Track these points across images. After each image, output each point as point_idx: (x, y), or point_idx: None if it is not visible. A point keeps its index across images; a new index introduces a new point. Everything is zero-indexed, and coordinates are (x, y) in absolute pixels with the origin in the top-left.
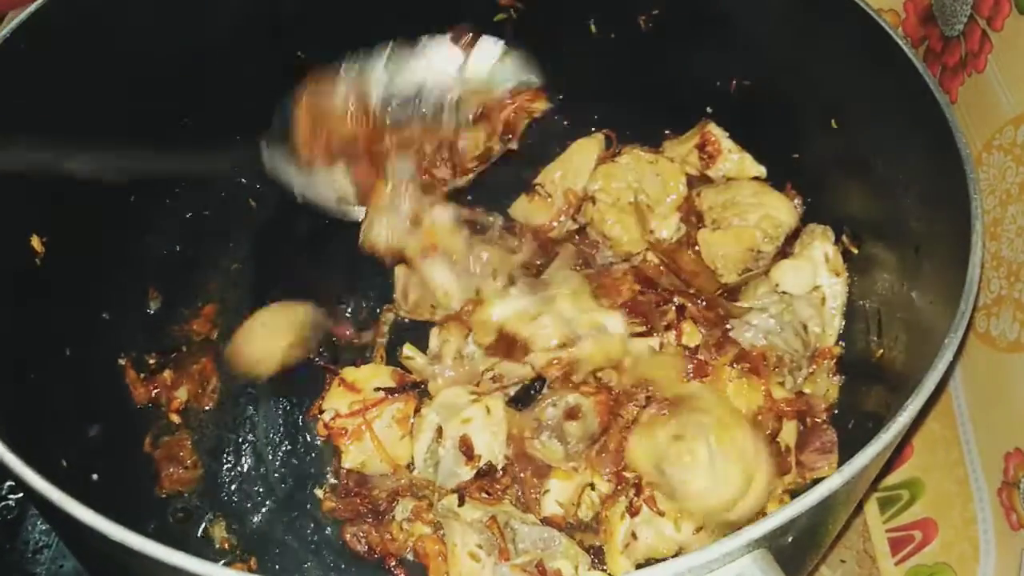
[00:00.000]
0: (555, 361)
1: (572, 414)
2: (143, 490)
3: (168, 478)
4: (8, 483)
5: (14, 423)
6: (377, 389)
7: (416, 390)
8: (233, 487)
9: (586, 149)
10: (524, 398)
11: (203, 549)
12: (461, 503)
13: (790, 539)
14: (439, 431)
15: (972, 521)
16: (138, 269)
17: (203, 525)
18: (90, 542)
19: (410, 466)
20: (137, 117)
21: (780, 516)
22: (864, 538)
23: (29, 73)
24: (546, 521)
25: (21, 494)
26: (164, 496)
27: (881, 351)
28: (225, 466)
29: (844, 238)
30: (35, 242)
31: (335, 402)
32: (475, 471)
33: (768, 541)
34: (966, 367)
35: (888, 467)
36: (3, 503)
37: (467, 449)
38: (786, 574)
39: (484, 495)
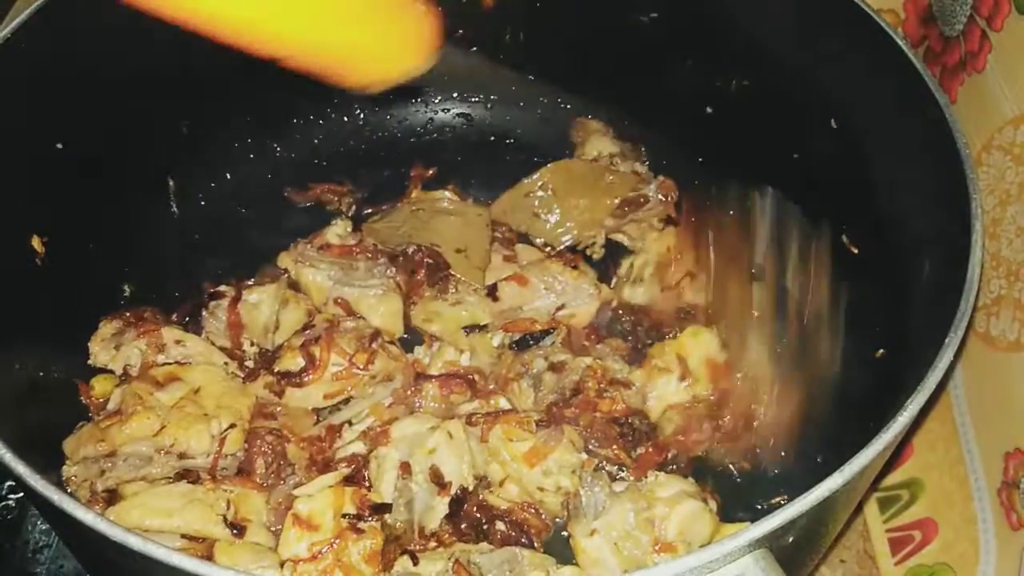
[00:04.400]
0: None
1: (555, 368)
2: None
3: None
4: (8, 483)
5: (15, 423)
6: (344, 516)
7: (383, 513)
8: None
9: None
10: (523, 345)
11: None
12: (416, 562)
13: (791, 539)
14: (403, 467)
15: (972, 521)
16: (141, 270)
17: None
18: (90, 542)
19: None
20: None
21: (781, 516)
22: (864, 538)
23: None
24: (503, 539)
25: (21, 494)
26: None
27: (881, 351)
28: None
29: (844, 238)
30: (35, 242)
31: (292, 548)
32: (449, 499)
33: (769, 541)
34: (966, 367)
35: (888, 467)
36: (3, 503)
37: (438, 479)
38: (787, 574)
39: (434, 544)
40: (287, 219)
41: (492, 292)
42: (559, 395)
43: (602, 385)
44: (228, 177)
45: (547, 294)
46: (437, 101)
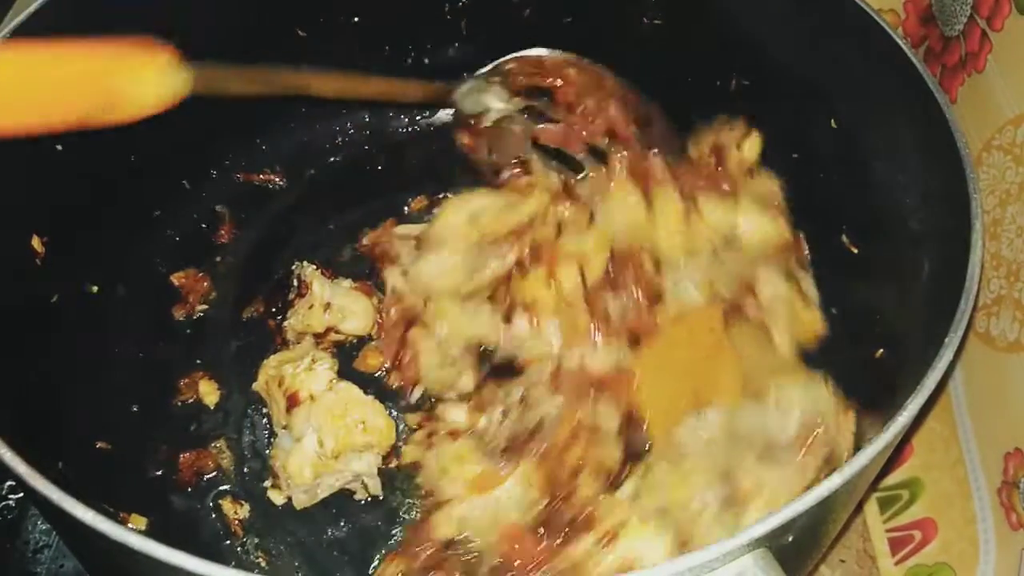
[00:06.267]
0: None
1: (524, 401)
2: (158, 482)
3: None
4: (8, 483)
5: (16, 421)
6: None
7: None
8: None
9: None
10: (505, 374)
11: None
12: None
13: (790, 538)
14: None
15: (972, 521)
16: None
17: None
18: (90, 542)
19: None
20: None
21: (781, 515)
22: (864, 538)
23: None
24: None
25: (21, 494)
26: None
27: (881, 351)
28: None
29: (844, 238)
30: (35, 242)
31: None
32: None
33: (769, 540)
34: (966, 367)
35: (888, 467)
36: (3, 503)
37: None
38: (786, 573)
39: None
40: None
41: (508, 316)
42: (520, 429)
43: (577, 435)
44: None
45: (556, 336)
46: None
